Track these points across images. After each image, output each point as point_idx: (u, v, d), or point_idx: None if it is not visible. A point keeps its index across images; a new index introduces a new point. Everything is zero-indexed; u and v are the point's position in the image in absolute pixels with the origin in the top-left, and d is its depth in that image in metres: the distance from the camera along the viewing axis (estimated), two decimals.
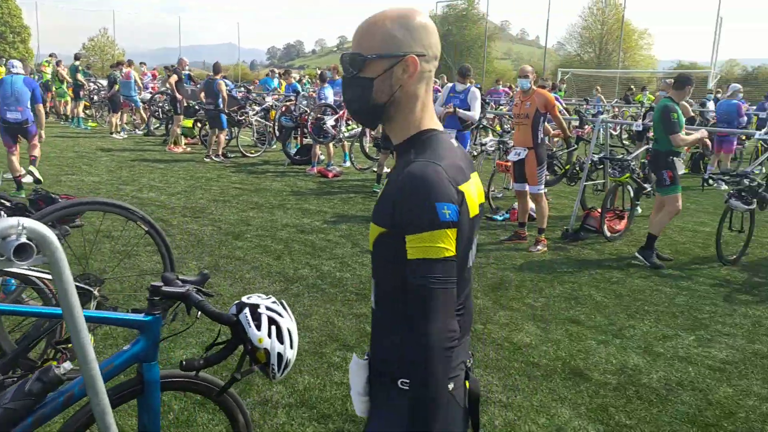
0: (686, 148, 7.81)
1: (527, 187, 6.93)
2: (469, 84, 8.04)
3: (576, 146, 8.35)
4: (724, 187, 6.75)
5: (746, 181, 6.26)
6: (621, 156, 7.20)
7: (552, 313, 4.95)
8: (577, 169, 7.88)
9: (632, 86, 26.20)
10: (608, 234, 7.24)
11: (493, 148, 8.88)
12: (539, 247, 6.76)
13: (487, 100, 19.30)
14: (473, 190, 1.49)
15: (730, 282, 5.95)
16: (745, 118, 11.28)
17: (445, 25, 52.10)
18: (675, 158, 6.36)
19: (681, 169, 6.53)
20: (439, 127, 1.55)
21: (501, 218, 8.15)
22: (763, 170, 11.09)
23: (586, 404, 3.57)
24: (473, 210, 1.47)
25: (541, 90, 6.86)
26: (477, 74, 48.73)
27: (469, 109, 7.89)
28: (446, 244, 1.36)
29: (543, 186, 6.88)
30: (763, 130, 6.57)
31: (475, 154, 8.49)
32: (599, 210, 7.50)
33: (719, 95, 18.41)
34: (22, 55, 38.70)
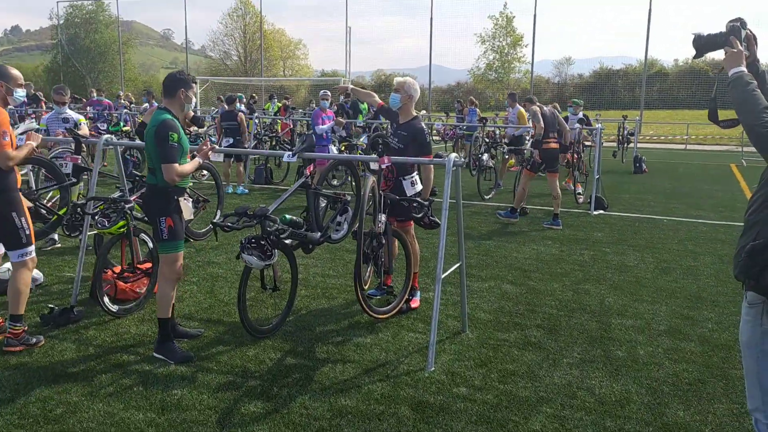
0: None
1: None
2: None
3: (75, 180, 5.94)
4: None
5: (270, 223, 4.53)
6: (118, 195, 4.98)
7: None
8: (79, 212, 5.48)
9: (254, 94, 24.76)
10: (111, 308, 4.99)
11: None
12: None
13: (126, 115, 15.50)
14: None
15: (261, 375, 4.12)
16: (324, 126, 10.12)
17: (71, 28, 45.99)
18: (179, 197, 4.36)
19: (189, 214, 4.57)
20: None
21: None
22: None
23: None
24: None
25: None
26: (115, 82, 43.88)
27: None
28: None
29: None
30: (292, 151, 4.89)
31: None
32: (115, 270, 5.32)
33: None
34: None
